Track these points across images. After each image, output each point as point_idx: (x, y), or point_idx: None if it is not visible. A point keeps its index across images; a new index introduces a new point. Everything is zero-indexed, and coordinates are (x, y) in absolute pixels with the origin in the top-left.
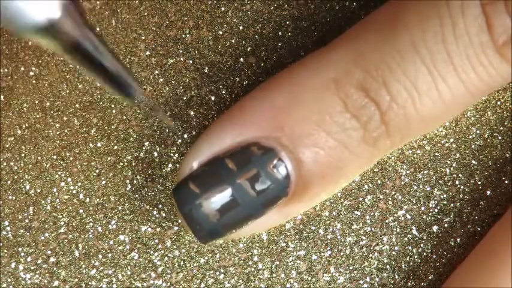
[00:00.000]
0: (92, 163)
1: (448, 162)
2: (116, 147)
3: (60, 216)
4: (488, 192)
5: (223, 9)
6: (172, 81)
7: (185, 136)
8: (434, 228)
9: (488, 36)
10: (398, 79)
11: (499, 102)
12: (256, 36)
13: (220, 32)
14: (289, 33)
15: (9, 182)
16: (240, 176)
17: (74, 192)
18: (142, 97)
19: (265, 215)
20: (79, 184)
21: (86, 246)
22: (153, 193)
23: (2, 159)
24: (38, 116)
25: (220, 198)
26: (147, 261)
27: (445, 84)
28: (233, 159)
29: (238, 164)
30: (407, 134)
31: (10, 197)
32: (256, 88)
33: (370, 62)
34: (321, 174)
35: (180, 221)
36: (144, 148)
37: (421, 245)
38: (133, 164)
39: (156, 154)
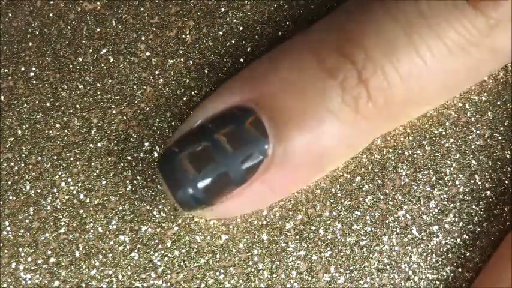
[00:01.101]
0: (92, 163)
1: (448, 162)
2: (116, 147)
3: (61, 217)
4: (488, 193)
5: (223, 9)
6: (173, 82)
7: None
8: (435, 228)
9: None
10: (373, 39)
11: (499, 102)
12: (257, 37)
13: (221, 33)
14: (289, 34)
15: (9, 182)
16: (217, 131)
17: (74, 192)
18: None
19: (248, 185)
20: (79, 184)
21: (86, 247)
22: (153, 193)
23: (2, 160)
24: (38, 117)
25: (197, 152)
26: (147, 261)
27: (423, 43)
28: (213, 121)
29: (217, 123)
30: (392, 97)
31: (10, 197)
32: None
33: (347, 30)
34: (300, 134)
35: (180, 221)
36: (144, 148)
37: (421, 245)
38: (134, 164)
39: (156, 154)
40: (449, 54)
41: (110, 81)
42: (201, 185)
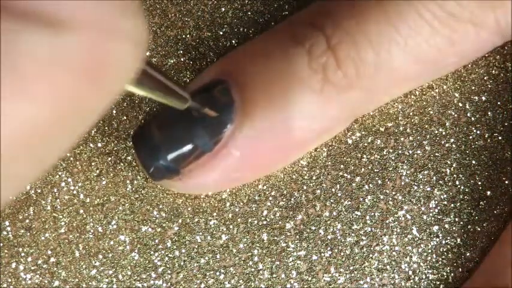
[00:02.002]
0: (92, 163)
1: (448, 162)
2: (116, 147)
3: (61, 217)
4: (488, 193)
5: (223, 9)
6: None
7: None
8: (435, 228)
9: None
10: (344, 10)
11: (499, 102)
12: (256, 37)
13: (221, 33)
14: None
15: None
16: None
17: (75, 192)
18: (190, 101)
19: (215, 154)
20: (79, 184)
21: (86, 247)
22: (153, 193)
23: None
24: None
25: (163, 118)
26: (147, 261)
27: (396, 13)
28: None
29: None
30: (363, 67)
31: (10, 197)
32: None
33: (320, 5)
34: (266, 100)
35: (180, 221)
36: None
37: (421, 245)
38: (134, 164)
39: None
40: (425, 24)
41: None
42: (166, 148)
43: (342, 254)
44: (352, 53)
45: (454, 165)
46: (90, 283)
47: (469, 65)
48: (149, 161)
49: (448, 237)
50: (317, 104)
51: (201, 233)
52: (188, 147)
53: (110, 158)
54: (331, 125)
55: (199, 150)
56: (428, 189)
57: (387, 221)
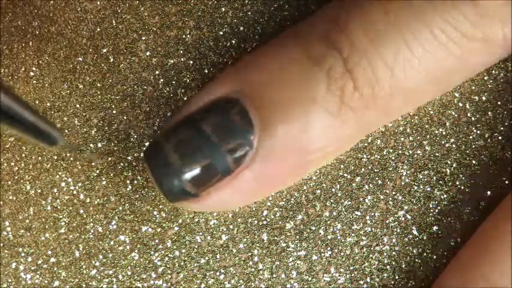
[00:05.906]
0: (93, 163)
1: (448, 162)
2: (116, 147)
3: (61, 217)
4: (489, 193)
5: (223, 9)
6: (173, 82)
7: None
8: (435, 228)
9: None
10: (360, 28)
11: (499, 102)
12: (257, 37)
13: (221, 33)
14: None
15: (9, 182)
16: (202, 122)
17: (75, 192)
18: (63, 141)
19: (234, 177)
20: (79, 184)
21: (87, 247)
22: (153, 193)
23: (2, 160)
24: None
25: (182, 142)
26: (147, 261)
27: (411, 34)
28: (200, 112)
29: (203, 114)
30: (379, 86)
31: (10, 197)
32: None
33: (334, 17)
34: (285, 125)
35: (180, 221)
36: (144, 148)
37: (422, 246)
38: (134, 164)
39: None
40: (439, 45)
41: (110, 81)
42: (186, 175)
43: (342, 254)
44: (368, 73)
45: (454, 165)
46: (90, 283)
47: None
48: (167, 184)
49: (448, 238)
50: (334, 127)
51: (201, 233)
52: (208, 171)
53: (110, 158)
54: (345, 143)
55: (219, 176)
56: (428, 189)
57: (387, 221)
